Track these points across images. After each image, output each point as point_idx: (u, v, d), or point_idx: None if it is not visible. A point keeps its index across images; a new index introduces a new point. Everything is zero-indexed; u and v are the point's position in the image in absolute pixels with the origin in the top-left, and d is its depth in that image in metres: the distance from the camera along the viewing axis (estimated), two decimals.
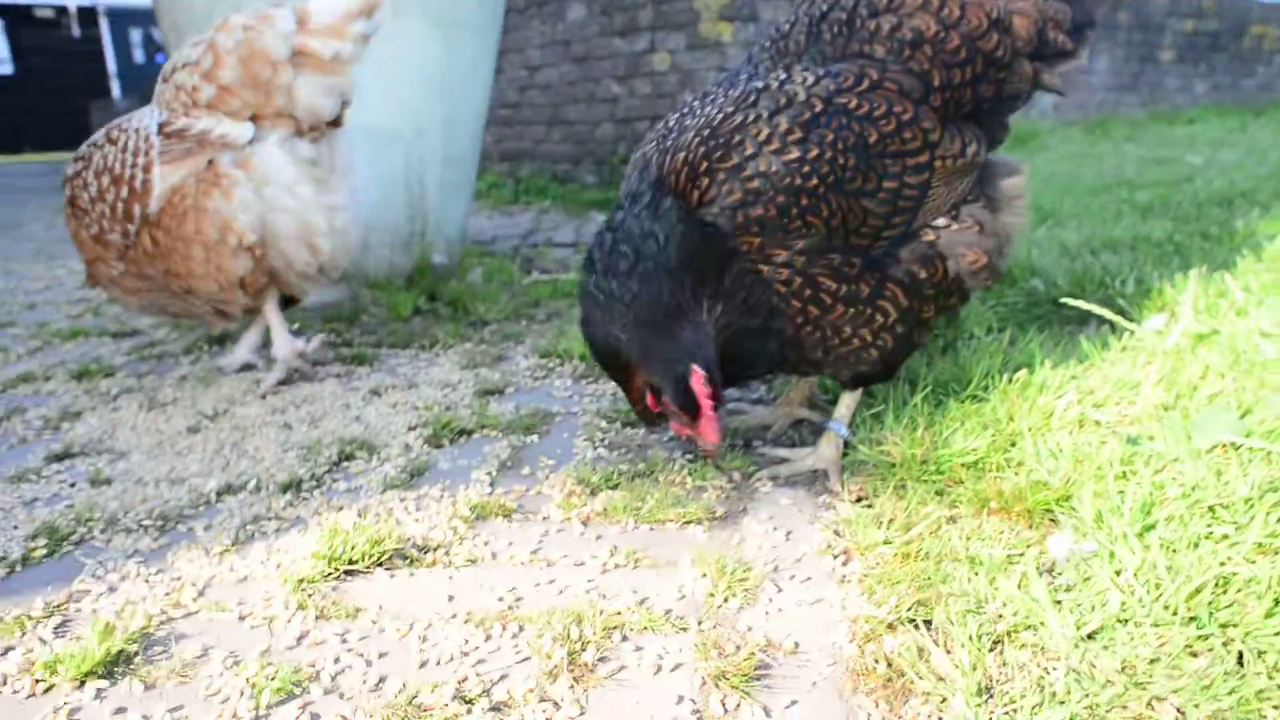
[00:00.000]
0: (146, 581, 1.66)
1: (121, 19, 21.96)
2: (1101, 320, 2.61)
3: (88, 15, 21.64)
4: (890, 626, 1.40)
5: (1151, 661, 1.25)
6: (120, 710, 1.31)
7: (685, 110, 1.92)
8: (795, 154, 1.72)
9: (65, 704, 1.31)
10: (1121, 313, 2.64)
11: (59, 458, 2.28)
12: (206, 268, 2.61)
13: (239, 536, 1.82)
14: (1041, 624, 1.35)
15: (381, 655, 1.41)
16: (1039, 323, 2.83)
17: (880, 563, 1.60)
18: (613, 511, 1.85)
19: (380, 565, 1.67)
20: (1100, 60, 9.92)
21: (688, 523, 1.81)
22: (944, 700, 1.24)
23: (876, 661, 1.33)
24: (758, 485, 1.98)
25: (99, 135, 2.72)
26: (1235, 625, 1.29)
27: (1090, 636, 1.31)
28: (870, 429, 2.05)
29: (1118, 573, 1.42)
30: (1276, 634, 1.26)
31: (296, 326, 3.42)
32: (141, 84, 18.01)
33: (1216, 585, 1.35)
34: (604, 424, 2.36)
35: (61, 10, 21.43)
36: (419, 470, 2.11)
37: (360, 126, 3.69)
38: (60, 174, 2.84)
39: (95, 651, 1.39)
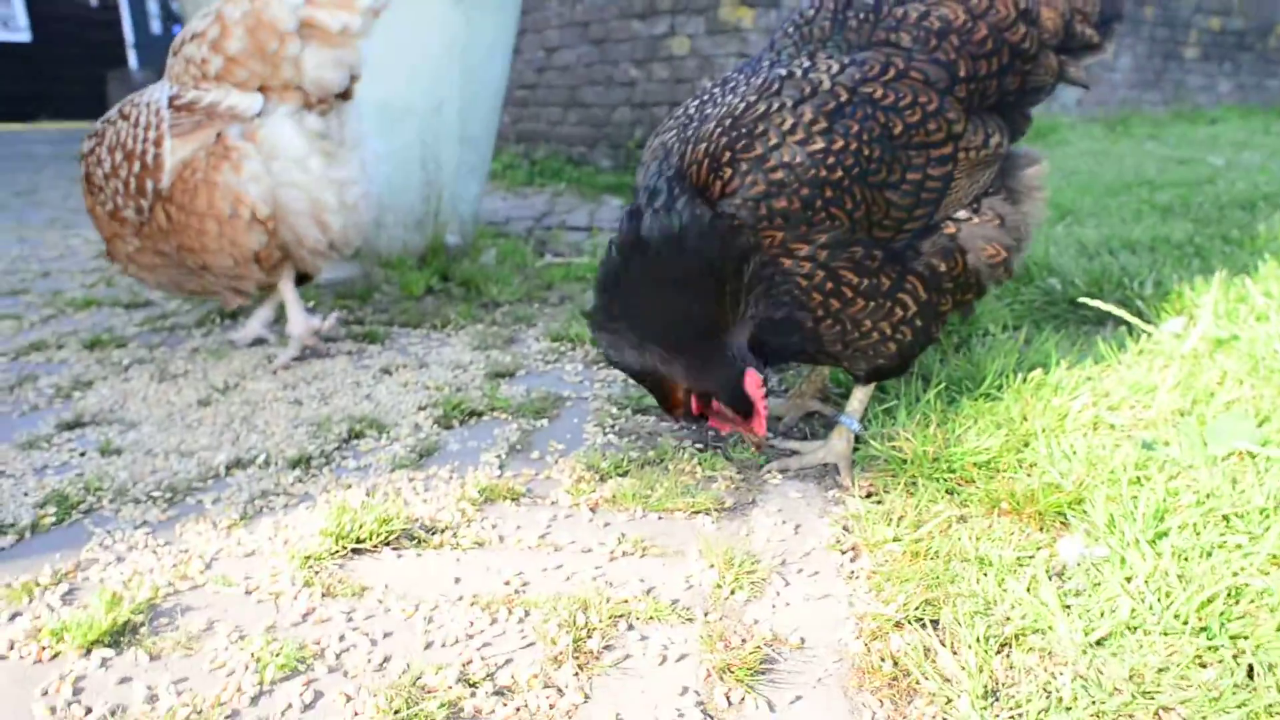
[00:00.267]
0: (154, 553, 1.66)
1: None
2: (1119, 321, 2.59)
3: None
4: (897, 625, 1.40)
5: (1160, 671, 1.24)
6: (125, 680, 1.31)
7: (706, 97, 1.89)
8: (820, 144, 1.69)
9: (71, 671, 1.32)
10: (1139, 314, 2.61)
11: (70, 426, 2.29)
12: (220, 242, 2.60)
13: (247, 511, 1.82)
14: (1050, 628, 1.34)
15: (386, 635, 1.41)
16: (1055, 322, 2.81)
17: (889, 560, 1.59)
18: (621, 499, 1.84)
19: (387, 545, 1.67)
20: (1123, 57, 9.81)
21: (696, 512, 1.80)
22: (949, 701, 1.23)
23: (882, 660, 1.32)
24: (767, 477, 1.97)
25: (113, 111, 2.72)
26: (1246, 637, 1.28)
27: (1099, 643, 1.30)
28: (882, 424, 2.03)
29: (1128, 579, 1.41)
30: None
31: (312, 305, 3.42)
32: (158, 55, 17.98)
33: (1229, 596, 1.34)
34: (614, 410, 2.35)
35: None
36: (428, 450, 2.11)
37: (377, 102, 3.69)
38: (76, 142, 2.83)
39: (102, 621, 1.39)
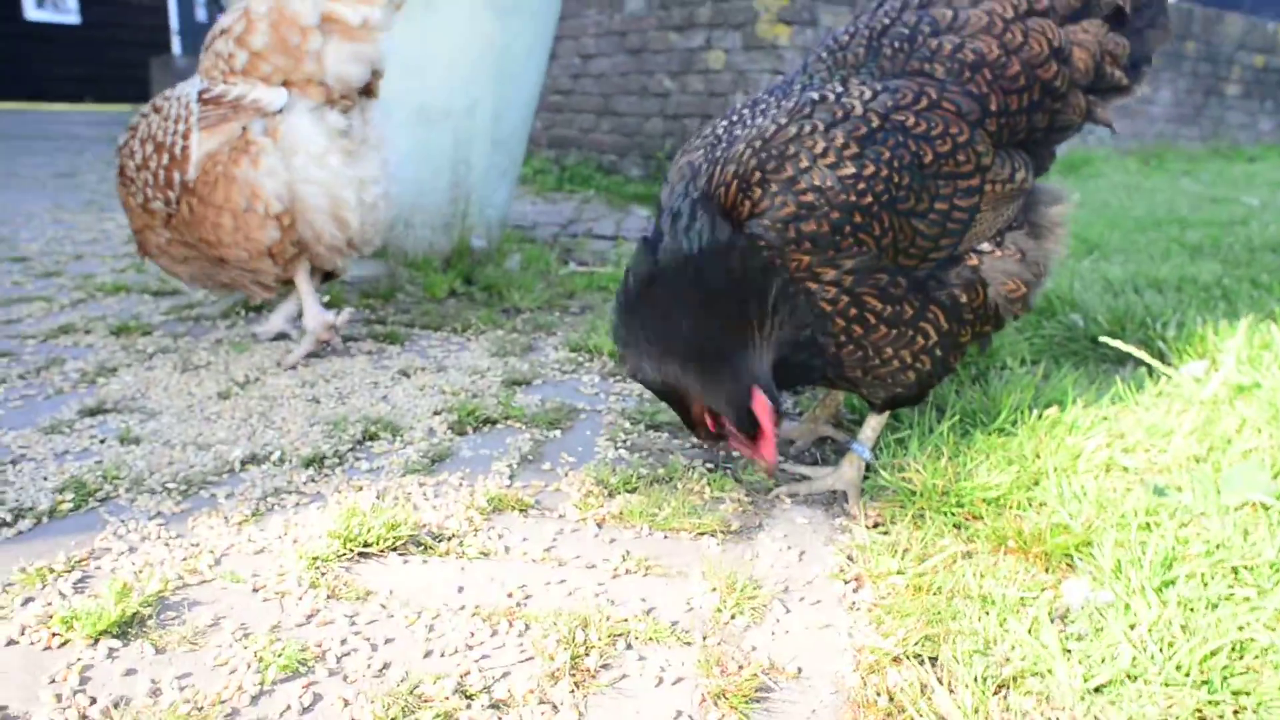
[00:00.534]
0: (166, 545, 1.69)
1: None
2: (1139, 361, 2.57)
3: None
4: (895, 660, 1.39)
5: None
6: (130, 671, 1.33)
7: (735, 118, 1.90)
8: (851, 169, 1.70)
9: (79, 660, 1.34)
10: (1161, 356, 2.59)
11: (92, 412, 2.33)
12: (235, 236, 2.64)
13: (259, 508, 1.84)
14: (1049, 672, 1.33)
15: (387, 641, 1.43)
16: (1075, 358, 2.79)
17: (891, 593, 1.59)
18: (628, 515, 1.85)
19: (394, 550, 1.69)
20: (1163, 90, 9.72)
21: (702, 534, 1.81)
22: None
23: (879, 694, 1.32)
24: (775, 501, 1.97)
25: (148, 105, 2.78)
26: (1249, 694, 1.26)
27: (1098, 690, 1.30)
28: (893, 453, 2.03)
29: (1132, 626, 1.40)
30: None
31: (327, 299, 3.45)
32: (201, 41, 18.22)
33: (1233, 650, 1.33)
34: (627, 425, 2.36)
35: None
36: (440, 456, 2.13)
37: (409, 102, 3.73)
38: (118, 125, 2.89)
39: (111, 611, 1.42)
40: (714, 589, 1.59)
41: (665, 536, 1.80)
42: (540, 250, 4.49)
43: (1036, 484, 1.86)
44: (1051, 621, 1.44)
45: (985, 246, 1.87)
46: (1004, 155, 1.83)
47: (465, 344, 3.07)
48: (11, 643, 1.38)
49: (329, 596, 1.54)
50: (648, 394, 1.82)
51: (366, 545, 1.67)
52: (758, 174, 1.72)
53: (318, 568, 1.61)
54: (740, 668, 1.38)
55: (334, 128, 2.68)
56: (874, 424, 2.04)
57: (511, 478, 2.04)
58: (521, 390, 2.63)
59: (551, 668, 1.36)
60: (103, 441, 2.14)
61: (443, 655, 1.40)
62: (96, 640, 1.39)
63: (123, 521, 1.77)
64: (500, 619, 1.49)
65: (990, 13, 1.83)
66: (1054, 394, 2.26)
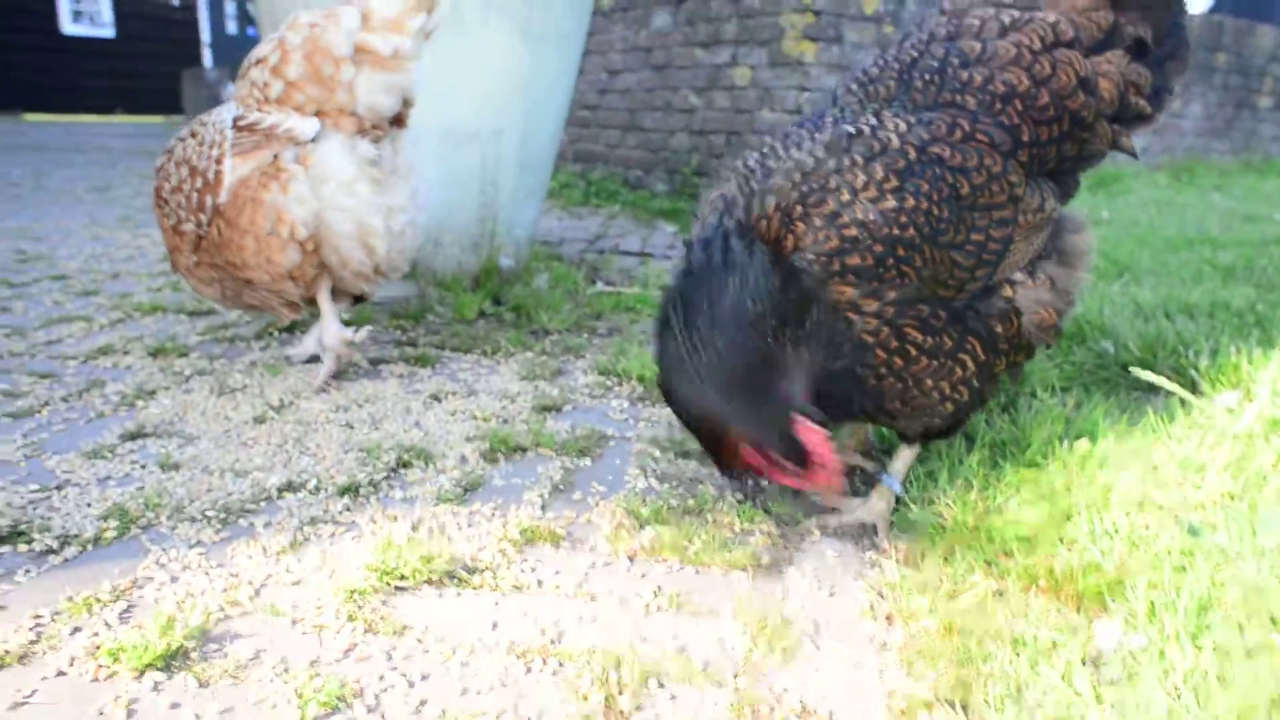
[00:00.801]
0: (207, 574, 1.73)
1: None
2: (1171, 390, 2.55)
3: None
4: (927, 704, 1.40)
5: None
6: (175, 705, 1.37)
7: (766, 151, 1.90)
8: (893, 203, 1.70)
9: (125, 693, 1.38)
10: (1193, 385, 2.58)
11: (133, 436, 2.37)
12: (257, 259, 2.69)
13: (296, 538, 1.87)
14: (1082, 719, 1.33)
15: (424, 677, 1.45)
16: (1105, 386, 2.78)
17: (922, 633, 1.59)
18: (659, 549, 1.86)
19: (429, 583, 1.71)
20: (1193, 104, 9.63)
21: (733, 568, 1.82)
22: None
23: None
24: (805, 533, 1.98)
25: (184, 129, 2.84)
26: None
27: None
28: (923, 486, 2.03)
29: (1166, 674, 1.39)
30: None
31: (346, 318, 3.48)
32: (233, 55, 18.52)
33: (1271, 704, 1.32)
34: (657, 453, 2.38)
35: None
36: (473, 485, 2.16)
37: (439, 126, 3.77)
38: (150, 137, 2.95)
39: (156, 644, 1.45)
40: (745, 628, 1.60)
41: (696, 571, 1.82)
42: (568, 269, 4.52)
43: (1068, 520, 1.86)
44: (1084, 666, 1.44)
45: (1018, 276, 1.88)
46: (1033, 185, 1.85)
47: (495, 367, 3.11)
48: (61, 674, 1.42)
49: (366, 630, 1.56)
50: (676, 421, 1.82)
51: (402, 578, 1.70)
52: (799, 208, 1.72)
53: (355, 601, 1.64)
54: (771, 710, 1.39)
55: (364, 157, 2.73)
56: (906, 456, 2.04)
57: (543, 508, 2.06)
58: (552, 416, 2.65)
59: (586, 709, 1.37)
60: (144, 467, 2.19)
61: (478, 693, 1.42)
62: (142, 673, 1.42)
63: (164, 550, 1.81)
64: (534, 655, 1.51)
65: (1018, 45, 1.84)
66: (1085, 425, 2.25)
